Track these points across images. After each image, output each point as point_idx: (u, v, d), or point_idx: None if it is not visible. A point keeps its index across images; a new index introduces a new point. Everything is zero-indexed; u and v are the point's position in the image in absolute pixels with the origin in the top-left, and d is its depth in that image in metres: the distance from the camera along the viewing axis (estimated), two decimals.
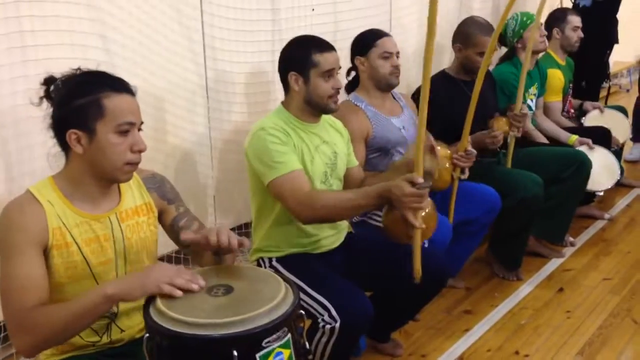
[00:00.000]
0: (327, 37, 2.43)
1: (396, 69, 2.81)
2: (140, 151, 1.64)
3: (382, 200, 2.07)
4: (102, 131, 1.58)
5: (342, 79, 2.67)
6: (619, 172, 3.94)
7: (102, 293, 1.50)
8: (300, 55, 2.29)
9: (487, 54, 2.67)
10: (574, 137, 3.81)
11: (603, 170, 3.79)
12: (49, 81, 1.64)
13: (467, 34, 3.23)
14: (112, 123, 1.59)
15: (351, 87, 2.91)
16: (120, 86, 1.64)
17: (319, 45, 2.31)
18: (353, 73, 2.91)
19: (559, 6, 4.84)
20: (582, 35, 4.02)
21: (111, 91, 1.60)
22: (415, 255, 2.17)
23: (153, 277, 1.51)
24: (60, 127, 1.61)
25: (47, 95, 1.64)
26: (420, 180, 2.00)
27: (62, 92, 1.61)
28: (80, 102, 1.58)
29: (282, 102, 2.38)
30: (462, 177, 2.79)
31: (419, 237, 2.13)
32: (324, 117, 2.43)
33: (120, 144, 1.60)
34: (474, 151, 2.75)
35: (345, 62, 3.45)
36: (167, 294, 1.49)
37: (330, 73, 2.28)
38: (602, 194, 3.97)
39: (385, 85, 2.84)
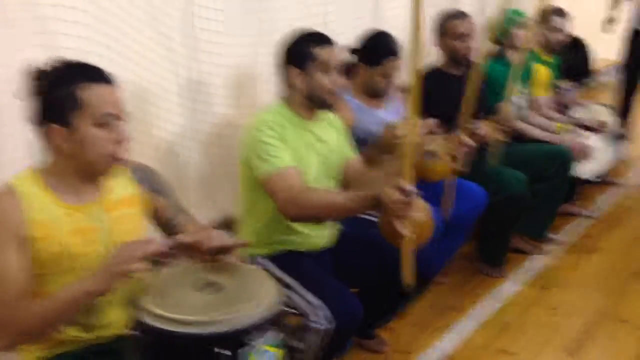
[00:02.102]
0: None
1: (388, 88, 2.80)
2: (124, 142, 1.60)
3: (373, 205, 2.00)
4: (81, 124, 1.54)
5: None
6: (615, 148, 3.95)
7: (82, 289, 1.48)
8: (300, 50, 2.25)
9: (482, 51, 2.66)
10: (559, 125, 3.85)
11: (598, 154, 3.79)
12: (32, 73, 1.59)
13: (439, 25, 3.28)
14: (91, 115, 1.54)
15: (347, 69, 2.85)
16: (98, 76, 1.59)
17: (318, 39, 2.27)
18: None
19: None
20: (562, 38, 4.03)
21: (88, 82, 1.55)
22: (403, 262, 2.08)
23: (118, 262, 1.48)
24: (38, 121, 1.57)
25: (31, 87, 1.59)
26: (408, 187, 1.90)
27: (40, 84, 1.57)
28: (55, 95, 1.53)
29: (282, 98, 2.34)
30: (460, 168, 2.77)
31: (407, 245, 2.04)
32: (321, 115, 2.39)
33: (101, 137, 1.56)
34: (471, 142, 2.74)
35: None
36: (139, 271, 1.47)
37: (330, 67, 2.24)
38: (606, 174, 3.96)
39: (372, 94, 2.83)
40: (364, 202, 2.00)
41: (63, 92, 1.53)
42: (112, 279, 1.48)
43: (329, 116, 2.45)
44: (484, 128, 3.10)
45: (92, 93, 1.55)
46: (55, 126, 1.54)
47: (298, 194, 2.10)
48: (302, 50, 2.24)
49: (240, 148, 2.27)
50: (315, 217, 2.16)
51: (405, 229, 1.94)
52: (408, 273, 2.09)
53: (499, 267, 3.39)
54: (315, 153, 2.30)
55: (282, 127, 2.19)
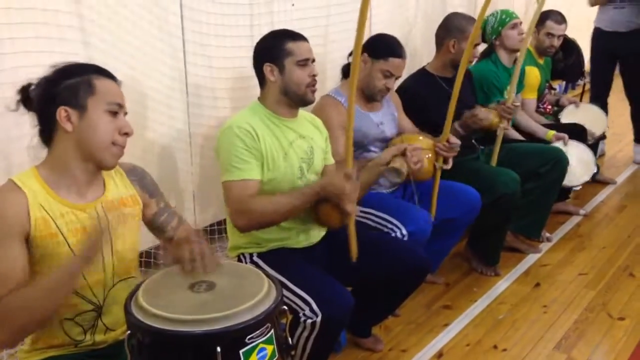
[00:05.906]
0: (308, 33, 2.43)
1: (387, 90, 2.83)
2: (127, 134, 1.67)
3: (319, 198, 2.18)
4: (93, 107, 1.62)
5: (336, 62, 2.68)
6: (595, 166, 3.96)
7: (67, 269, 1.50)
8: (273, 46, 2.30)
9: (468, 49, 2.69)
10: (551, 133, 3.86)
11: (579, 164, 3.81)
12: (24, 90, 1.65)
13: (461, 27, 3.23)
14: (103, 101, 1.63)
15: (348, 69, 2.88)
16: (106, 73, 1.69)
17: (291, 35, 2.32)
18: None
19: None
20: (555, 43, 4.05)
21: (100, 74, 1.65)
22: (351, 237, 2.31)
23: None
24: (48, 105, 1.61)
25: (24, 101, 1.65)
26: (351, 171, 2.14)
27: (54, 74, 1.63)
28: (70, 81, 1.61)
29: (258, 98, 2.37)
30: (445, 167, 2.81)
31: (354, 222, 2.30)
32: (303, 113, 2.42)
33: (110, 123, 1.63)
34: (458, 141, 2.77)
35: (325, 56, 3.47)
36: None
37: (305, 61, 2.28)
38: (578, 188, 3.96)
39: (369, 95, 2.85)
40: (309, 197, 2.18)
41: (79, 79, 1.61)
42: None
43: (313, 118, 2.49)
44: (487, 115, 3.13)
45: (104, 83, 1.65)
46: (67, 108, 1.60)
47: (245, 205, 2.16)
48: (277, 47, 2.29)
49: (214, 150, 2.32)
50: (265, 223, 2.22)
51: (354, 210, 2.20)
52: (354, 248, 2.33)
53: (493, 265, 3.41)
54: (296, 149, 2.31)
55: (253, 132, 2.21)
